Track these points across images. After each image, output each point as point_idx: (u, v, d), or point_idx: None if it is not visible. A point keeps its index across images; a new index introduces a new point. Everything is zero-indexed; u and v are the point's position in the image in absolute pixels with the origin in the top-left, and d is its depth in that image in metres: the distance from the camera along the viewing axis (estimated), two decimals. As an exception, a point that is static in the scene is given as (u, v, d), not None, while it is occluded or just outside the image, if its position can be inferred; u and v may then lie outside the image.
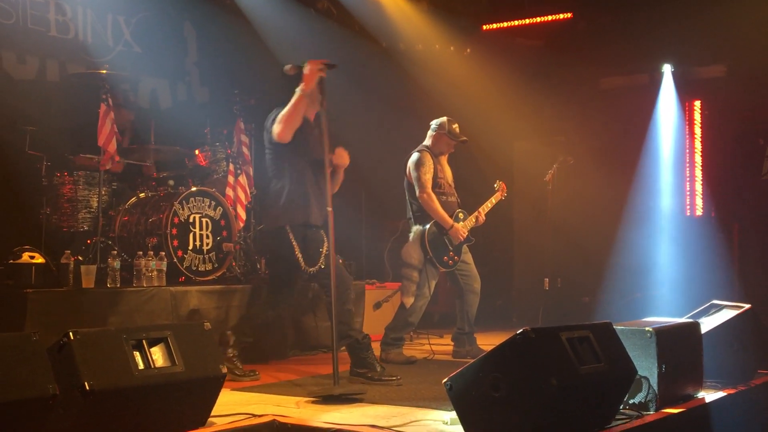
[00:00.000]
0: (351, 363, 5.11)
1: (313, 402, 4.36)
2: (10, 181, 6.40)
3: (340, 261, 5.81)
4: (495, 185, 6.54)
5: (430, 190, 6.06)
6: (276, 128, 4.90)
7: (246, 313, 5.56)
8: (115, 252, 5.83)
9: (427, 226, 6.07)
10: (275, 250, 5.19)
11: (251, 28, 8.43)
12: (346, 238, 7.46)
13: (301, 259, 4.98)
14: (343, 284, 5.06)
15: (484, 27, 9.61)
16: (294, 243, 4.98)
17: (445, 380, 3.47)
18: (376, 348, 5.32)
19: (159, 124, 7.13)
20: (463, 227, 6.16)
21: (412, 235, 6.14)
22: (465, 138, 6.27)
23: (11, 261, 5.39)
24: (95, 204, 6.15)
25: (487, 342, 6.12)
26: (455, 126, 6.24)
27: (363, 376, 5.01)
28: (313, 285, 6.61)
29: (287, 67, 4.97)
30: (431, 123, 6.30)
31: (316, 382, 5.00)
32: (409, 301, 6.08)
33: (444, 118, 6.26)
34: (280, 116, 4.90)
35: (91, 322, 5.11)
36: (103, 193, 6.13)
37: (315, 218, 5.06)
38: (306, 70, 4.87)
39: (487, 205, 6.41)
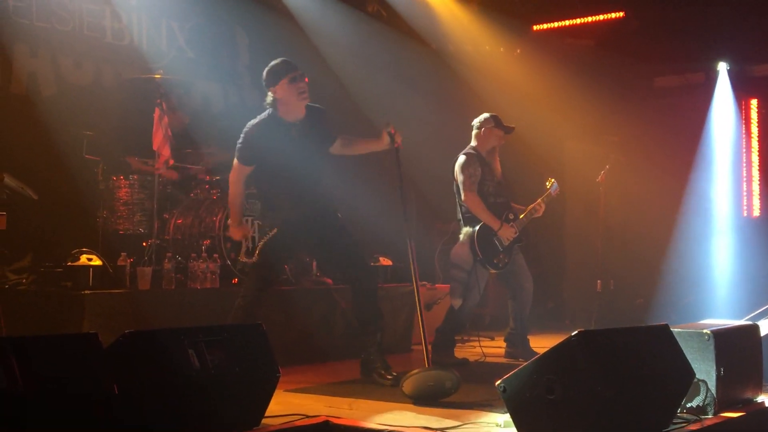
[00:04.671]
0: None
1: (365, 403, 4.37)
2: (68, 185, 6.53)
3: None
4: (547, 183, 6.48)
5: (474, 193, 6.02)
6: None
7: None
8: (170, 254, 5.92)
9: (477, 228, 6.04)
10: None
11: (302, 32, 8.48)
12: (397, 240, 7.46)
13: None
14: None
15: (535, 27, 9.54)
16: None
17: (498, 382, 3.45)
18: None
19: (211, 128, 7.23)
20: (512, 228, 6.11)
21: (462, 236, 6.12)
22: (512, 125, 6.22)
23: (69, 263, 5.50)
24: (150, 207, 6.24)
25: (540, 344, 6.07)
26: (499, 118, 6.22)
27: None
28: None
29: None
30: (473, 123, 6.27)
31: (369, 382, 5.00)
32: (458, 302, 6.06)
33: (486, 114, 6.23)
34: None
35: (147, 323, 5.18)
36: (158, 196, 6.23)
37: None
38: None
39: (543, 201, 6.34)
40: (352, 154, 5.42)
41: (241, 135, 5.11)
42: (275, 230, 5.08)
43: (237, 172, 5.14)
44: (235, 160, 5.14)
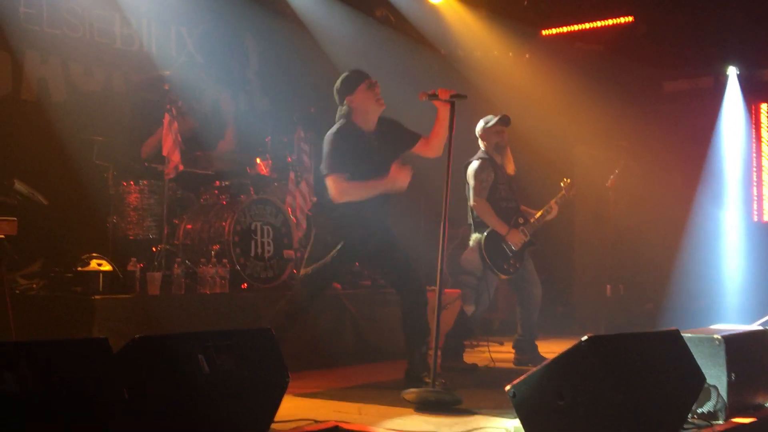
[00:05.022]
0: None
1: (375, 408, 4.36)
2: (78, 190, 6.56)
3: None
4: (562, 183, 6.46)
5: (483, 199, 6.03)
6: None
7: None
8: (180, 259, 5.93)
9: (486, 233, 6.04)
10: None
11: (311, 37, 8.51)
12: (406, 244, 7.45)
13: None
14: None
15: (544, 32, 9.54)
16: None
17: (508, 387, 3.44)
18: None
19: (221, 133, 7.25)
20: (521, 233, 6.09)
21: (471, 242, 6.12)
22: (502, 114, 6.16)
23: (79, 268, 5.52)
24: (160, 212, 6.25)
25: (549, 349, 6.06)
26: (489, 116, 6.22)
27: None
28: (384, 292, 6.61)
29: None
30: (476, 132, 6.30)
31: (381, 387, 5.00)
32: (470, 308, 6.06)
33: (481, 120, 6.25)
34: None
35: (157, 328, 5.20)
36: (168, 201, 6.24)
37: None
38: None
39: (557, 202, 6.31)
40: (439, 142, 5.09)
41: (328, 147, 4.93)
42: (339, 246, 4.97)
43: (341, 184, 4.89)
44: (332, 176, 4.89)
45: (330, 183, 4.92)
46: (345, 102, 5.05)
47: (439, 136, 5.06)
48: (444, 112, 4.88)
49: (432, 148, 5.15)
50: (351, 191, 4.90)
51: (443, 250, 4.61)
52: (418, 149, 5.18)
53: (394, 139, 5.12)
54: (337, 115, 5.11)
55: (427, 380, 4.67)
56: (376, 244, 5.07)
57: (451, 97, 4.74)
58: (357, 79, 5.05)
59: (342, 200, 4.91)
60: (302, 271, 5.15)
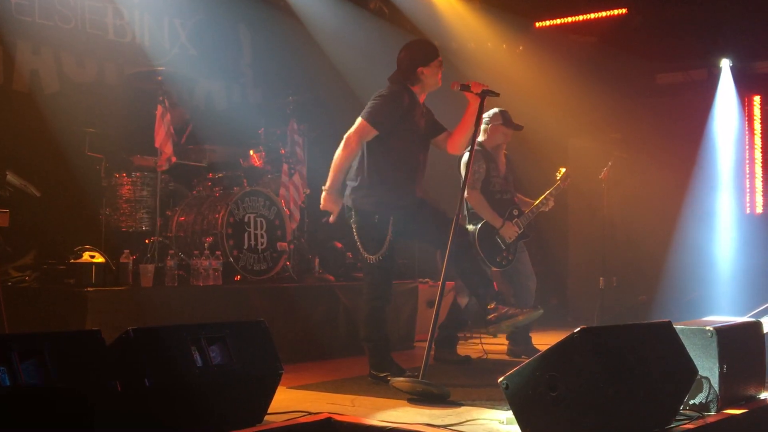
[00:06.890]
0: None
1: (368, 400, 4.37)
2: (71, 182, 6.54)
3: None
4: (557, 174, 6.44)
5: (476, 191, 6.01)
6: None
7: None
8: (173, 251, 5.92)
9: (479, 226, 6.03)
10: None
11: (304, 30, 8.49)
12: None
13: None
14: None
15: (537, 24, 9.53)
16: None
17: (501, 379, 3.45)
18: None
19: (214, 125, 7.23)
20: (515, 226, 6.09)
21: (465, 234, 6.12)
22: (521, 124, 6.17)
23: (72, 260, 5.50)
24: (153, 204, 6.24)
25: (543, 341, 6.07)
26: (508, 115, 6.18)
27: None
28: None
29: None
30: (483, 117, 6.23)
31: (374, 381, 5.01)
32: (464, 300, 6.06)
33: (496, 109, 6.18)
34: None
35: (150, 320, 5.19)
36: (160, 193, 6.23)
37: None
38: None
39: (552, 194, 6.31)
40: (463, 134, 5.07)
41: (379, 101, 4.90)
42: (392, 221, 4.89)
43: (359, 134, 4.87)
44: (362, 120, 4.87)
45: (358, 125, 4.88)
46: (416, 71, 5.02)
47: (464, 129, 5.05)
48: (474, 105, 4.88)
49: (455, 140, 5.13)
50: (346, 150, 4.86)
51: (451, 243, 4.61)
52: (441, 140, 5.17)
53: (428, 122, 5.16)
54: (394, 77, 5.07)
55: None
56: (415, 211, 5.00)
57: (483, 91, 4.78)
58: (434, 52, 5.08)
59: (354, 144, 4.86)
60: (369, 258, 4.94)
